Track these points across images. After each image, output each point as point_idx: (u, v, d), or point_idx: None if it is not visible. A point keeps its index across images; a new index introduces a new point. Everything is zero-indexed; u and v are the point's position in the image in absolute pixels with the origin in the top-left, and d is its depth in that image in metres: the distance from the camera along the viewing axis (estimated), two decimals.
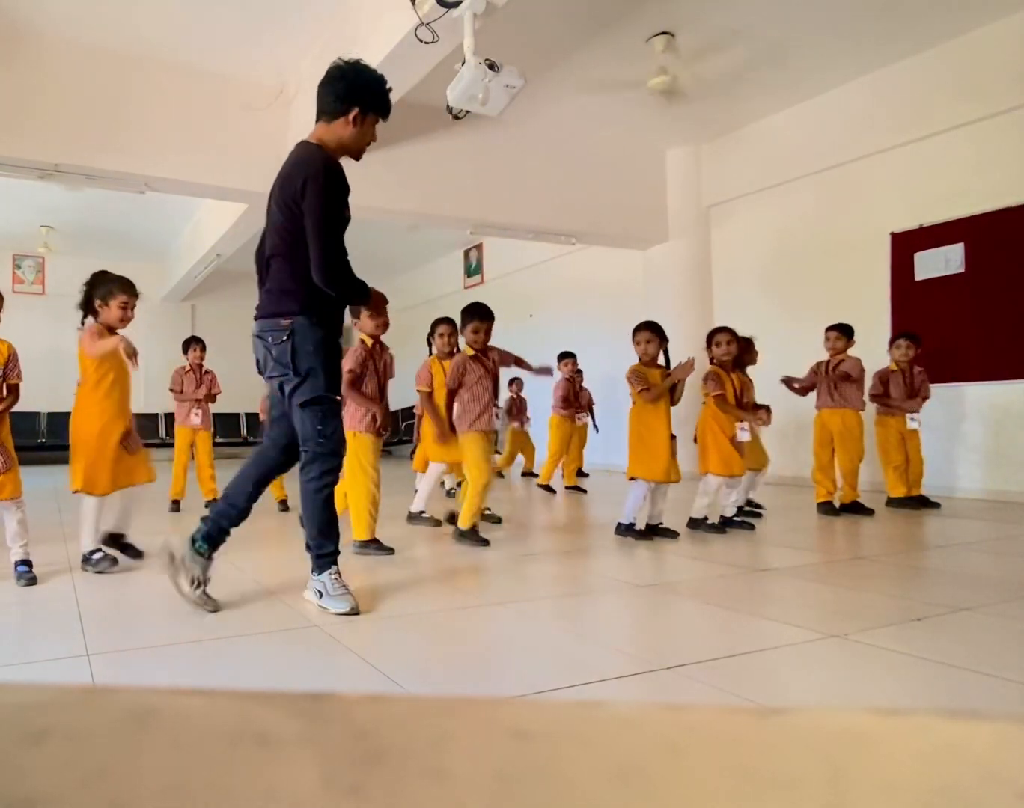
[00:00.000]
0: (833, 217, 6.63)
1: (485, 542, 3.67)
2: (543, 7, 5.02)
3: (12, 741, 0.20)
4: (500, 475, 7.94)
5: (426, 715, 0.23)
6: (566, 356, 6.69)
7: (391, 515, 4.04)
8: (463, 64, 3.81)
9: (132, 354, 2.94)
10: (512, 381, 7.70)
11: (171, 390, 5.47)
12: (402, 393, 4.45)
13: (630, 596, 2.74)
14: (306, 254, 2.38)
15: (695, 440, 4.12)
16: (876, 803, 0.19)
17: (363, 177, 6.12)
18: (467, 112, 4.08)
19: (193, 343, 5.52)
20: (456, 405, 3.75)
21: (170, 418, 10.94)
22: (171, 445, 5.92)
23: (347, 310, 2.88)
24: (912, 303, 6.03)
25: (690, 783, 0.20)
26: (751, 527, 4.12)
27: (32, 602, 2.70)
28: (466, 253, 11.70)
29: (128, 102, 5.42)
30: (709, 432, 4.04)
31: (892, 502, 5.05)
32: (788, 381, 4.93)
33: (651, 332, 3.85)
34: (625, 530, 3.82)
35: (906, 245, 6.09)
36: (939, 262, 5.88)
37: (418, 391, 4.19)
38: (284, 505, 5.19)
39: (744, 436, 4.00)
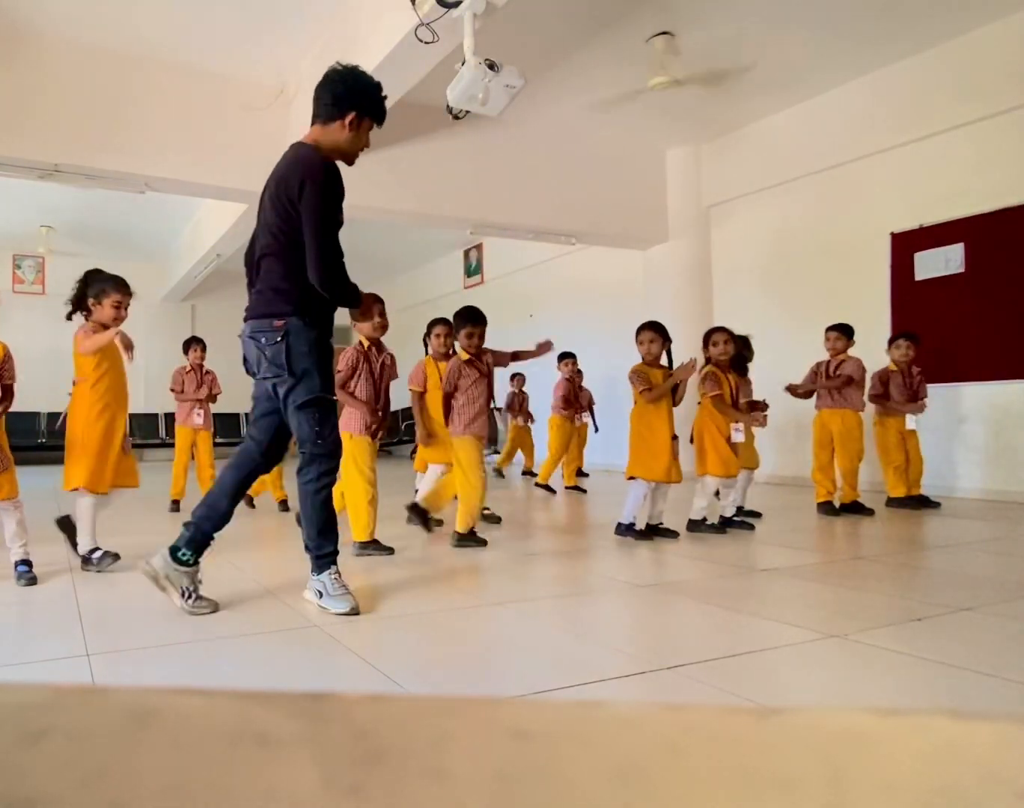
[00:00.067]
0: (833, 217, 6.63)
1: (484, 542, 3.67)
2: (543, 7, 5.02)
3: (12, 741, 0.20)
4: (500, 474, 7.94)
5: (426, 715, 0.23)
6: (566, 356, 6.69)
7: (391, 515, 4.04)
8: (463, 64, 3.81)
9: (129, 347, 2.93)
10: (514, 376, 7.71)
11: (171, 390, 5.47)
12: (402, 393, 4.45)
13: (630, 596, 2.74)
14: (299, 254, 2.37)
15: (691, 440, 4.12)
16: (876, 803, 0.19)
17: (363, 177, 6.14)
18: (467, 112, 4.08)
19: (193, 343, 5.52)
20: (451, 408, 3.75)
21: (170, 418, 10.95)
22: (171, 445, 5.92)
23: (348, 311, 2.89)
24: (912, 303, 6.03)
25: (690, 783, 0.20)
26: (751, 527, 4.12)
27: (32, 602, 2.70)
28: (466, 253, 11.70)
29: (128, 102, 5.42)
30: (707, 433, 4.04)
31: (892, 502, 5.05)
32: (792, 389, 4.92)
33: (654, 332, 3.85)
34: (625, 530, 3.82)
35: (906, 245, 6.09)
36: (939, 262, 5.88)
37: (410, 391, 4.20)
38: (284, 505, 5.20)
39: (739, 437, 4.00)
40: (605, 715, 0.23)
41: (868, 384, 4.97)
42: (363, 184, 6.12)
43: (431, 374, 4.18)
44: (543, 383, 7.38)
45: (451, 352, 4.13)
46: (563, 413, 6.45)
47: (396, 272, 12.95)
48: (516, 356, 4.20)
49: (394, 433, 11.47)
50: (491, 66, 3.76)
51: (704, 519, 4.04)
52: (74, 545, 3.22)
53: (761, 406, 4.44)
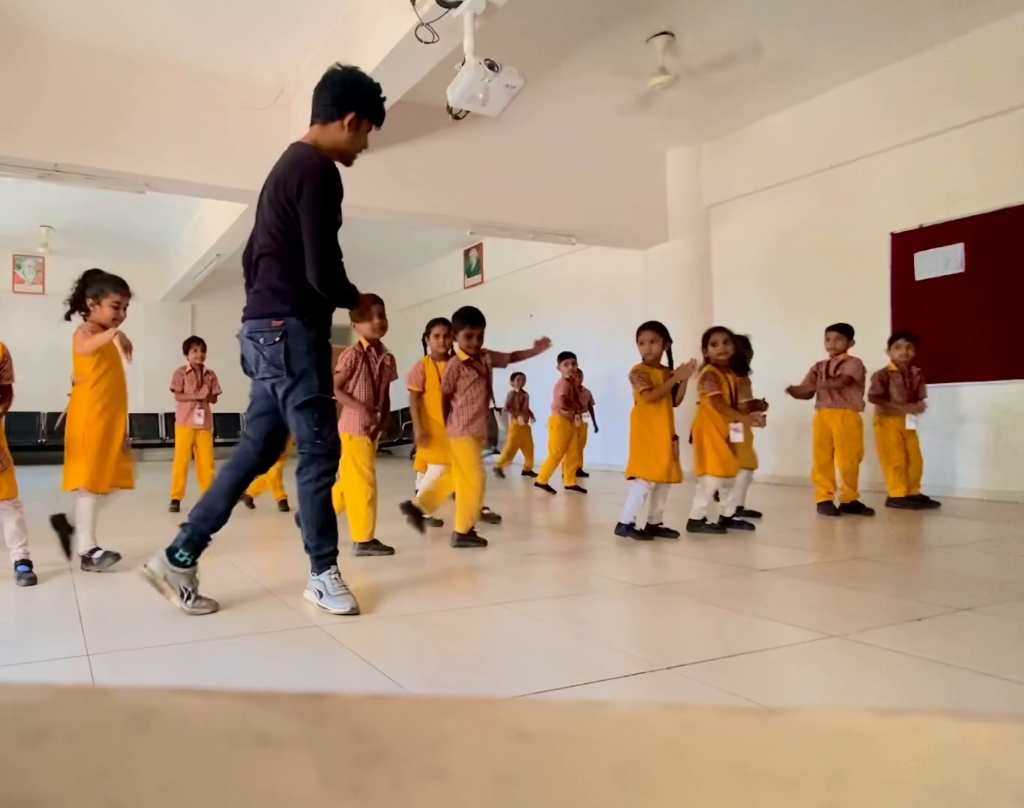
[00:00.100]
0: (833, 217, 6.63)
1: (484, 542, 3.67)
2: (543, 7, 5.02)
3: (12, 741, 0.20)
4: (500, 474, 7.95)
5: (426, 715, 0.23)
6: (566, 356, 6.69)
7: (391, 515, 4.04)
8: (463, 64, 3.81)
9: (128, 348, 2.93)
10: (514, 376, 7.71)
11: (172, 390, 5.47)
12: (402, 394, 4.45)
13: (630, 596, 2.74)
14: (297, 255, 2.37)
15: (690, 440, 4.12)
16: (876, 803, 0.19)
17: (363, 177, 6.14)
18: (467, 112, 4.08)
19: (194, 343, 5.52)
20: (449, 408, 3.75)
21: (170, 418, 10.95)
22: (171, 445, 5.92)
23: (348, 312, 2.89)
24: (912, 303, 6.03)
25: (690, 783, 0.20)
26: (751, 527, 4.12)
27: (32, 602, 2.70)
28: (466, 253, 11.70)
29: (128, 102, 5.42)
30: (706, 433, 4.04)
31: (892, 502, 5.05)
32: (793, 391, 4.93)
33: (655, 332, 3.85)
34: (625, 530, 3.82)
35: (906, 245, 6.09)
36: (939, 262, 5.89)
37: (408, 390, 4.20)
38: (284, 505, 5.20)
39: (737, 437, 4.00)
40: (605, 715, 0.23)
41: (868, 384, 4.97)
42: (363, 184, 6.12)
43: (430, 374, 4.18)
44: (543, 383, 7.38)
45: (450, 352, 4.12)
46: (563, 413, 6.45)
47: (396, 272, 12.95)
48: (515, 357, 4.20)
49: (394, 433, 11.46)
50: (491, 66, 3.76)
51: (704, 519, 4.04)
52: (66, 545, 3.17)
53: (761, 405, 4.44)
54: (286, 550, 3.69)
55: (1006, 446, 5.47)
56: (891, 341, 5.16)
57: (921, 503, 5.02)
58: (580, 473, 7.02)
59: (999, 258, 5.52)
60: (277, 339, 2.38)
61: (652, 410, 3.79)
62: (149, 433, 11.90)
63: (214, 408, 5.53)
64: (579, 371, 6.84)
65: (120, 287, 3.17)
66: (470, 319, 3.78)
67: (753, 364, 4.67)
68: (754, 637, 2.16)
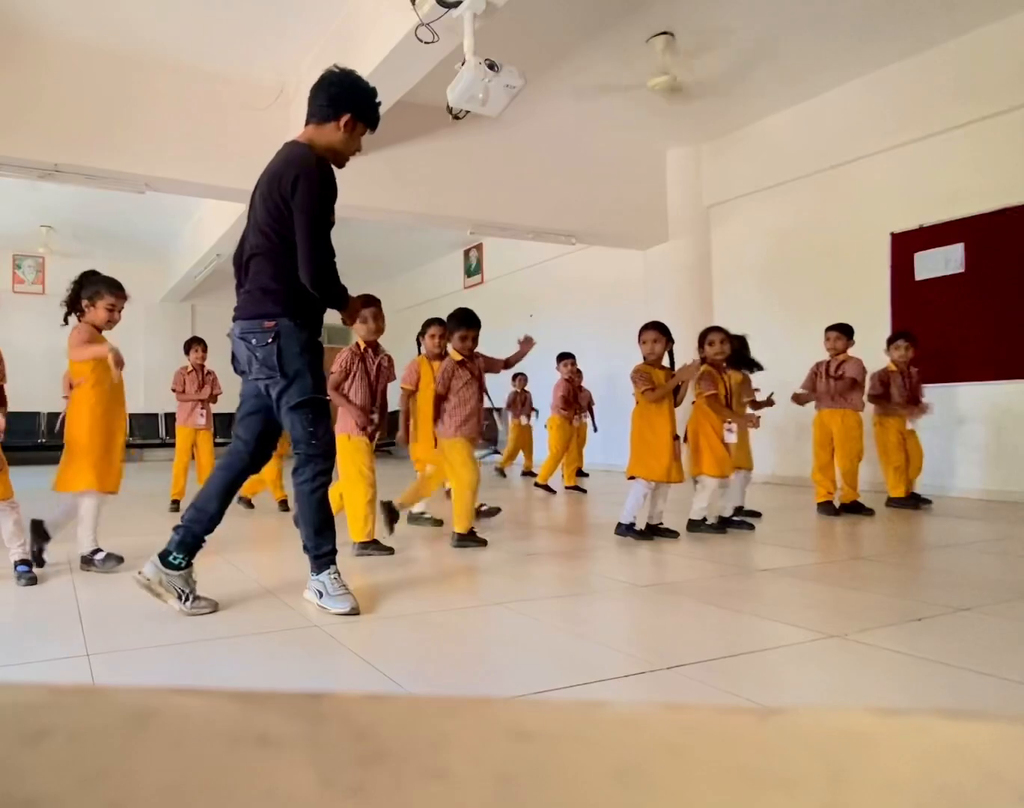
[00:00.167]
0: (833, 217, 6.63)
1: (484, 542, 3.67)
2: (543, 7, 5.02)
3: (12, 741, 0.20)
4: (502, 474, 7.95)
5: (426, 715, 0.23)
6: (565, 356, 6.69)
7: None
8: (463, 64, 3.81)
9: (120, 365, 2.92)
10: (515, 376, 7.72)
11: (173, 390, 5.47)
12: (398, 394, 4.46)
13: (630, 596, 2.74)
14: (290, 255, 2.37)
15: (685, 439, 4.12)
16: (876, 803, 0.19)
17: (363, 177, 6.15)
18: (467, 112, 4.08)
19: (195, 344, 5.52)
20: (441, 409, 3.75)
21: (170, 418, 10.95)
22: (171, 445, 5.93)
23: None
24: (912, 303, 6.03)
25: (690, 783, 0.20)
26: (751, 527, 4.12)
27: (32, 602, 2.70)
28: (466, 253, 11.70)
29: (127, 102, 5.42)
30: (702, 433, 4.04)
31: (892, 502, 5.05)
32: (799, 399, 4.93)
33: (658, 332, 3.85)
34: (625, 530, 3.82)
35: (906, 245, 6.09)
36: (939, 262, 5.89)
37: (401, 388, 4.20)
38: (284, 505, 5.20)
39: (731, 437, 4.00)
40: (605, 715, 0.23)
41: (867, 384, 4.97)
42: (363, 184, 6.12)
43: (424, 373, 4.18)
44: (543, 383, 7.38)
45: (444, 352, 4.13)
46: (563, 413, 6.46)
47: (396, 272, 12.95)
48: (507, 363, 4.21)
49: (394, 433, 11.46)
50: (491, 66, 3.76)
51: (704, 519, 4.04)
52: (38, 552, 3.11)
53: (770, 402, 4.52)
54: (286, 550, 3.69)
55: (1006, 446, 5.47)
56: (890, 341, 5.16)
57: (914, 501, 5.03)
58: (580, 473, 7.02)
59: (999, 258, 5.52)
60: (270, 340, 2.38)
61: (654, 410, 3.79)
62: (149, 433, 11.90)
63: (214, 408, 5.53)
64: (579, 371, 6.84)
65: (115, 289, 3.16)
66: (465, 321, 3.79)
67: (756, 360, 4.67)
68: (754, 637, 2.16)
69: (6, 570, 2.96)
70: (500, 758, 0.20)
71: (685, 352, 4.26)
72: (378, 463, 3.69)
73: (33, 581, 2.88)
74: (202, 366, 5.50)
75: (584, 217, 7.22)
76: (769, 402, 4.65)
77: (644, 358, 3.89)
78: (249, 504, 5.25)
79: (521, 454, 7.98)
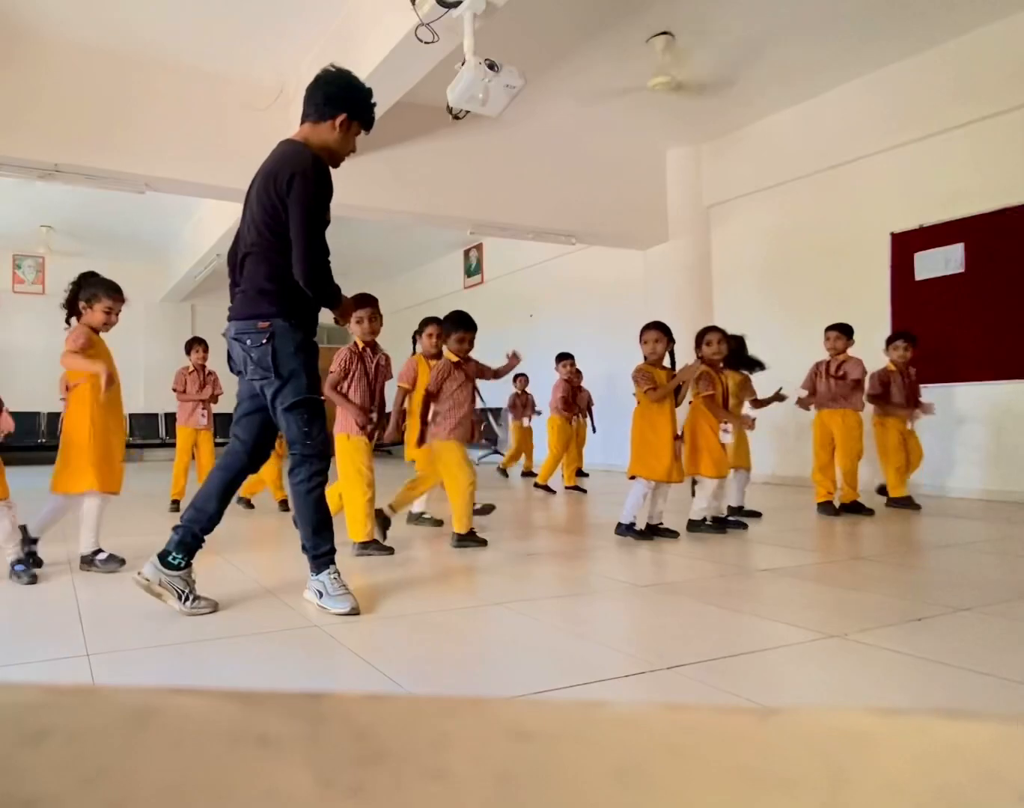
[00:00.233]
0: (833, 217, 6.63)
1: (484, 542, 3.67)
2: (543, 7, 5.02)
3: (12, 741, 0.20)
4: (505, 474, 7.95)
5: (426, 715, 0.23)
6: (564, 357, 6.69)
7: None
8: (463, 64, 3.81)
9: (110, 383, 2.92)
10: (517, 377, 7.72)
11: (174, 390, 5.47)
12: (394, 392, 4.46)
13: (630, 596, 2.74)
14: (284, 253, 2.36)
15: (680, 438, 4.12)
16: (876, 803, 0.19)
17: (363, 177, 6.15)
18: (467, 112, 4.08)
19: (196, 344, 5.52)
20: (434, 410, 3.74)
21: (170, 418, 10.94)
22: (171, 445, 5.93)
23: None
24: (912, 303, 6.03)
25: (690, 783, 0.20)
26: (744, 526, 4.13)
27: (32, 602, 2.70)
28: (466, 253, 11.71)
29: (127, 102, 5.42)
30: (701, 434, 4.04)
31: (892, 502, 5.05)
32: (803, 403, 4.94)
33: (660, 332, 3.85)
34: (625, 530, 3.82)
35: (906, 245, 6.09)
36: (939, 262, 5.89)
37: (398, 386, 4.20)
38: (284, 505, 5.20)
39: (727, 437, 4.01)
40: (605, 715, 0.23)
41: (867, 384, 4.98)
42: (363, 184, 6.12)
43: (422, 372, 4.19)
44: (543, 384, 7.38)
45: (441, 352, 4.14)
46: (562, 414, 6.46)
47: (396, 272, 12.95)
48: (497, 374, 4.21)
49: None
50: (491, 66, 3.76)
51: (704, 519, 4.04)
52: (28, 555, 3.07)
53: (779, 397, 4.59)
54: (286, 550, 3.69)
55: (1006, 446, 5.47)
56: (889, 341, 5.16)
57: (904, 504, 4.99)
58: (580, 473, 7.02)
59: (999, 258, 5.52)
60: (264, 341, 2.38)
61: (655, 410, 3.80)
62: (149, 433, 11.90)
63: (214, 408, 5.53)
64: (578, 371, 6.84)
65: (113, 292, 3.16)
66: (463, 323, 3.80)
67: (760, 359, 4.68)
68: (754, 637, 2.16)
69: (6, 570, 2.96)
70: (500, 758, 0.20)
71: (686, 353, 4.27)
72: (377, 463, 3.69)
73: (34, 579, 2.89)
74: (203, 366, 5.50)
75: (584, 217, 7.22)
76: (778, 397, 4.66)
77: (645, 358, 3.90)
78: (249, 504, 5.25)
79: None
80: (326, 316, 2.65)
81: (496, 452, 10.12)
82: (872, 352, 5.13)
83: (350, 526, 3.47)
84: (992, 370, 5.54)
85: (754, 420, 4.26)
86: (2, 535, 2.94)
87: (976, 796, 0.19)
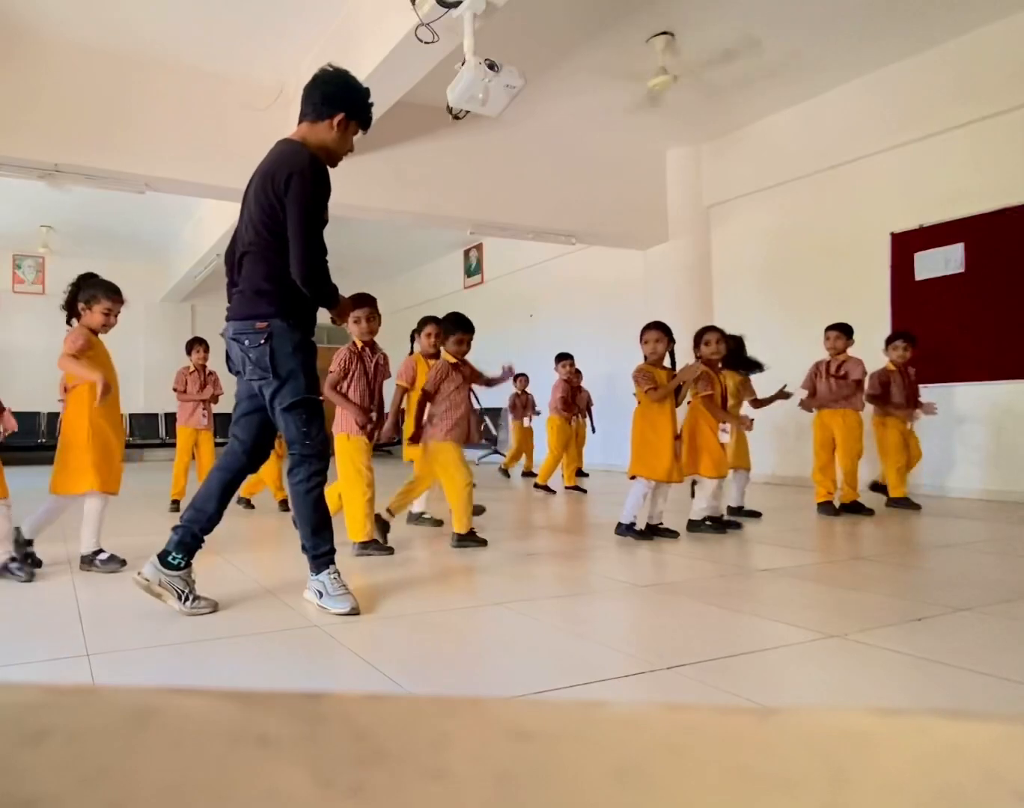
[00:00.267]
0: (833, 217, 6.63)
1: (484, 542, 3.67)
2: (543, 7, 5.02)
3: (12, 741, 0.20)
4: (507, 474, 7.94)
5: (426, 715, 0.23)
6: (563, 357, 6.69)
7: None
8: (463, 64, 3.82)
9: (106, 394, 2.92)
10: (517, 377, 7.72)
11: (175, 390, 5.48)
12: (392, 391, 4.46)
13: (630, 596, 2.74)
14: (282, 253, 2.36)
15: (679, 438, 4.11)
16: (876, 803, 0.19)
17: (364, 177, 6.15)
18: (467, 112, 4.08)
19: (197, 344, 5.53)
20: (431, 411, 3.73)
21: (170, 418, 10.94)
22: (171, 445, 5.93)
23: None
24: (912, 303, 6.03)
25: (690, 783, 0.20)
26: (739, 526, 4.14)
27: (32, 602, 2.70)
28: (466, 253, 11.71)
29: (128, 102, 5.42)
30: (700, 434, 4.04)
31: (892, 502, 5.05)
32: (806, 405, 4.94)
33: (660, 332, 3.85)
34: (625, 530, 3.82)
35: (906, 245, 6.09)
36: (939, 262, 5.89)
37: (396, 384, 4.21)
38: (284, 505, 5.20)
39: (725, 437, 4.01)
40: (605, 715, 0.23)
41: (867, 384, 4.98)
42: (363, 184, 6.12)
43: (421, 372, 4.19)
44: (543, 384, 7.38)
45: (439, 352, 4.14)
46: (562, 414, 6.46)
47: (396, 272, 12.95)
48: (489, 382, 4.22)
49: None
50: (491, 66, 3.76)
51: (704, 519, 4.04)
52: (24, 556, 3.10)
53: (783, 394, 4.60)
54: (286, 550, 3.69)
55: (1006, 446, 5.47)
56: (888, 341, 5.16)
57: (858, 510, 4.82)
58: (580, 473, 7.02)
59: (999, 258, 5.52)
60: (262, 341, 2.38)
61: (656, 410, 3.80)
62: (149, 433, 11.89)
63: (214, 408, 5.53)
64: (577, 371, 6.84)
65: (112, 294, 3.16)
66: (462, 325, 3.80)
67: (759, 360, 4.68)
68: (754, 637, 2.16)
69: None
70: (500, 758, 0.20)
71: (686, 353, 4.27)
72: (377, 463, 3.68)
73: (31, 576, 2.89)
74: (204, 366, 5.50)
75: (584, 217, 7.22)
76: (783, 394, 4.66)
77: (646, 358, 3.90)
78: (249, 504, 5.25)
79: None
80: (326, 316, 2.65)
81: (496, 452, 10.12)
82: (872, 352, 5.13)
83: (350, 526, 3.47)
84: (992, 370, 5.54)
85: (752, 421, 4.27)
86: (1, 534, 2.94)
87: (976, 796, 0.19)
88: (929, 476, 5.39)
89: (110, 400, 3.16)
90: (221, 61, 5.58)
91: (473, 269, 11.62)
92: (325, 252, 2.40)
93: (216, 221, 8.21)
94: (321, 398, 2.55)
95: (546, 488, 6.30)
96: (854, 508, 4.74)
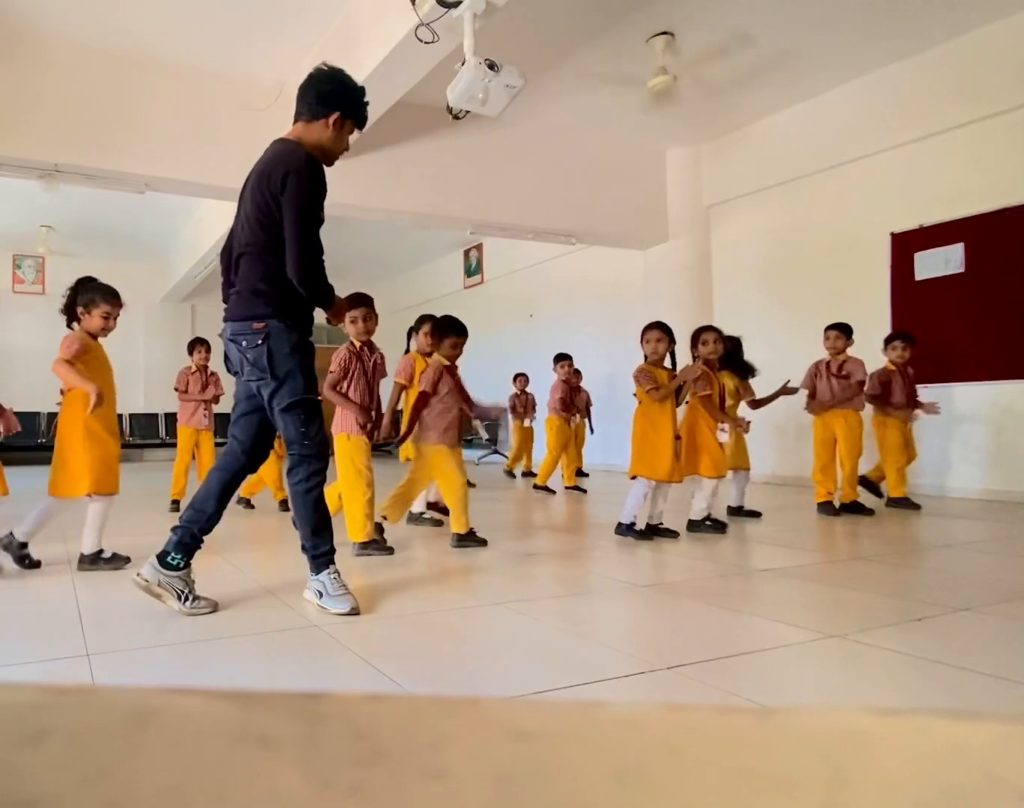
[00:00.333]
0: (833, 217, 6.63)
1: (484, 542, 3.67)
2: (543, 7, 5.02)
3: (12, 741, 0.20)
4: (512, 475, 7.94)
5: (426, 715, 0.23)
6: (562, 357, 6.69)
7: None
8: (463, 64, 3.82)
9: (99, 404, 2.92)
10: (517, 377, 7.72)
11: (176, 390, 5.48)
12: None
13: (630, 596, 2.74)
14: (279, 253, 2.36)
15: (677, 438, 4.10)
16: (876, 804, 0.19)
17: (363, 177, 6.14)
18: (467, 112, 4.08)
19: (198, 344, 5.53)
20: (423, 414, 3.71)
21: (170, 418, 10.94)
22: (171, 445, 5.93)
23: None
24: (912, 303, 6.04)
25: (690, 783, 0.20)
26: (724, 527, 4.08)
27: (32, 602, 2.70)
28: (466, 253, 11.71)
29: (128, 102, 5.42)
30: (699, 434, 4.04)
31: (892, 502, 5.05)
32: (811, 408, 4.93)
33: (661, 332, 3.85)
34: (625, 530, 3.82)
35: (906, 245, 6.09)
36: (939, 262, 5.89)
37: (395, 382, 4.19)
38: (284, 505, 5.20)
39: (723, 437, 4.01)
40: (605, 715, 0.23)
41: (867, 384, 4.98)
42: (363, 184, 6.12)
43: (419, 370, 4.19)
44: (543, 384, 7.38)
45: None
46: (561, 414, 6.46)
47: (396, 272, 12.95)
48: (471, 407, 4.13)
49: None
50: (491, 66, 3.76)
51: (704, 519, 4.04)
52: (22, 558, 3.13)
53: (787, 390, 4.58)
54: (286, 550, 3.69)
55: (1006, 446, 5.47)
56: (888, 341, 5.16)
57: (859, 507, 4.82)
58: (580, 473, 7.02)
59: (999, 258, 5.52)
60: (260, 341, 2.38)
61: (656, 409, 3.80)
62: (149, 433, 11.89)
63: (214, 408, 5.53)
64: (577, 372, 6.84)
65: (110, 298, 3.16)
66: (457, 329, 3.79)
67: (753, 364, 4.68)
68: (754, 637, 2.16)
69: (10, 569, 2.96)
70: (500, 758, 0.20)
71: (684, 353, 4.27)
72: (376, 463, 3.68)
73: (23, 561, 2.90)
74: (205, 366, 5.50)
75: (584, 217, 7.22)
76: (787, 390, 4.65)
77: (646, 358, 3.90)
78: (249, 504, 5.25)
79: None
80: (324, 316, 2.65)
81: (496, 452, 10.12)
82: (872, 352, 5.13)
83: (350, 526, 3.47)
84: (992, 370, 5.54)
85: (748, 423, 4.27)
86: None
87: (976, 796, 0.19)
88: (929, 476, 5.39)
89: (109, 401, 3.16)
90: (221, 61, 5.58)
91: (473, 269, 11.62)
92: (321, 252, 2.40)
93: (216, 221, 8.21)
94: (320, 398, 2.55)
95: (546, 488, 6.30)
96: (854, 508, 4.74)
